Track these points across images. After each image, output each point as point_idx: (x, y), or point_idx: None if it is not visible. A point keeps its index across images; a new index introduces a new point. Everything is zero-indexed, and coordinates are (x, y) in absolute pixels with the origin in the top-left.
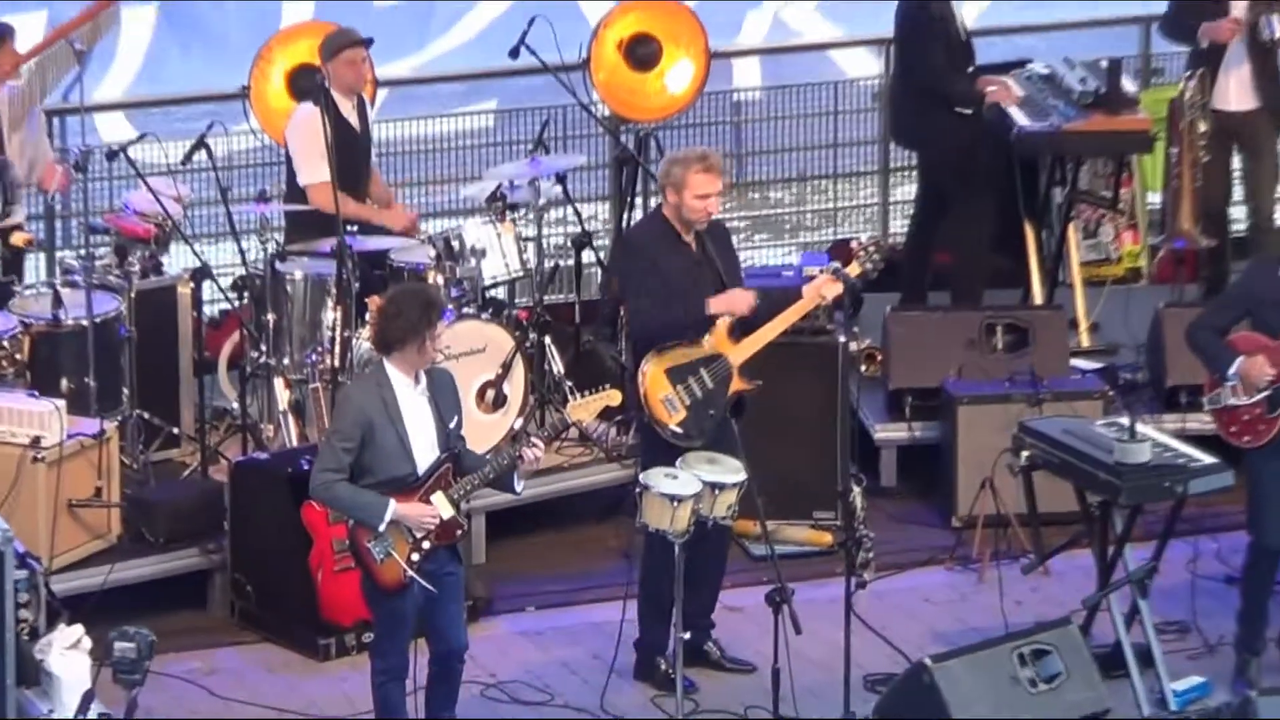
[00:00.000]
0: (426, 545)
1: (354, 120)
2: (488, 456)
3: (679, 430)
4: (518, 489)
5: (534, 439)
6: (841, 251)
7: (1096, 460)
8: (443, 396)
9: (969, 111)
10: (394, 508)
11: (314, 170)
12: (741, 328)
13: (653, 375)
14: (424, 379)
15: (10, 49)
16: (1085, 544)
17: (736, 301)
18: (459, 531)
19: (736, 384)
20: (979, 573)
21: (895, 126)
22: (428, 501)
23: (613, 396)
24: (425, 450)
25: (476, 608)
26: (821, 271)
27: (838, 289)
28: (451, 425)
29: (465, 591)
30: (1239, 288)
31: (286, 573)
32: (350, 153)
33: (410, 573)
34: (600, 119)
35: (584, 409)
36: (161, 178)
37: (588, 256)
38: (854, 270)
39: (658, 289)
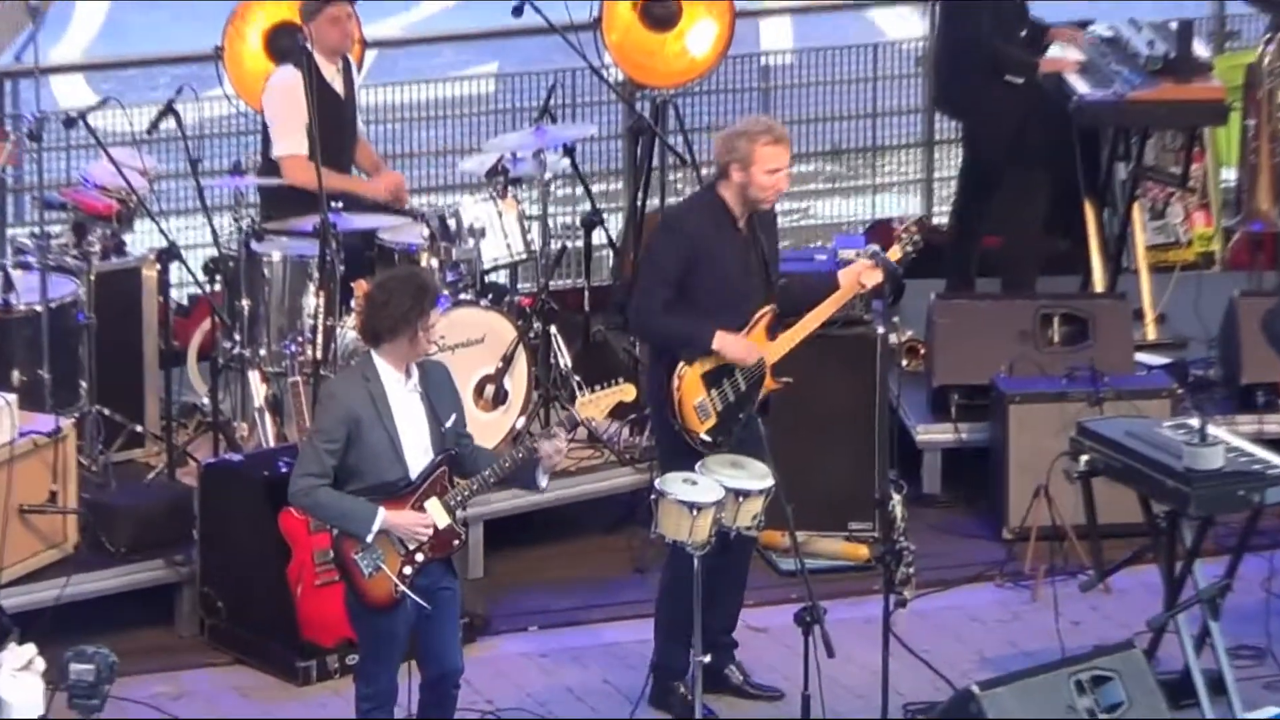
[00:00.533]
0: (420, 558)
1: (338, 85)
2: (496, 454)
3: (708, 438)
4: (542, 484)
5: (553, 429)
6: (881, 233)
7: (1163, 466)
8: (437, 392)
9: (1020, 80)
10: (383, 516)
11: (290, 141)
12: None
13: (690, 379)
14: (416, 373)
15: None
16: (1151, 559)
17: (743, 351)
18: (456, 542)
19: (768, 384)
20: (1032, 590)
21: (940, 94)
22: (421, 509)
23: (626, 391)
24: (418, 452)
25: (473, 627)
26: (859, 255)
27: (878, 276)
28: (449, 423)
29: (461, 609)
30: None
31: (262, 587)
32: (334, 122)
33: (402, 588)
34: (613, 84)
35: (594, 405)
36: (125, 148)
37: (598, 237)
38: (895, 254)
39: (671, 288)
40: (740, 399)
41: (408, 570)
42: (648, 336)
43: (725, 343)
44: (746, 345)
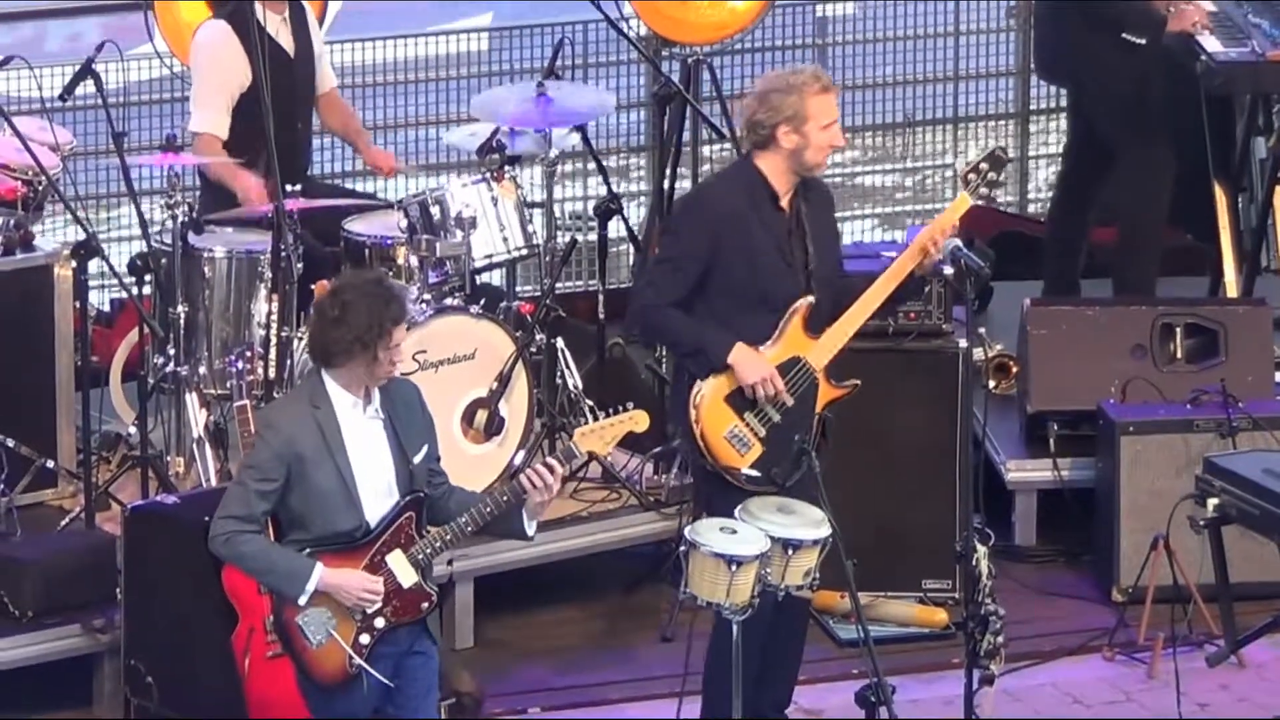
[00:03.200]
0: (381, 624)
1: (286, 40)
2: (480, 494)
3: (756, 473)
4: (530, 532)
5: (548, 459)
6: (965, 222)
7: None
8: (404, 418)
9: (1141, 40)
10: (320, 574)
11: (202, 115)
12: (821, 316)
13: (710, 405)
14: (377, 396)
15: None
16: None
17: (754, 369)
18: (425, 604)
19: (826, 392)
20: (1149, 665)
21: (1040, 54)
22: (380, 564)
23: (637, 420)
24: (378, 494)
25: (461, 708)
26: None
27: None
28: (417, 460)
29: (444, 686)
30: None
31: (202, 659)
32: (278, 87)
33: (358, 660)
34: (634, 41)
35: (596, 437)
36: (33, 118)
37: (615, 228)
38: (961, 204)
39: (689, 280)
40: (790, 416)
41: (365, 639)
42: (651, 336)
43: (741, 359)
44: (761, 366)
